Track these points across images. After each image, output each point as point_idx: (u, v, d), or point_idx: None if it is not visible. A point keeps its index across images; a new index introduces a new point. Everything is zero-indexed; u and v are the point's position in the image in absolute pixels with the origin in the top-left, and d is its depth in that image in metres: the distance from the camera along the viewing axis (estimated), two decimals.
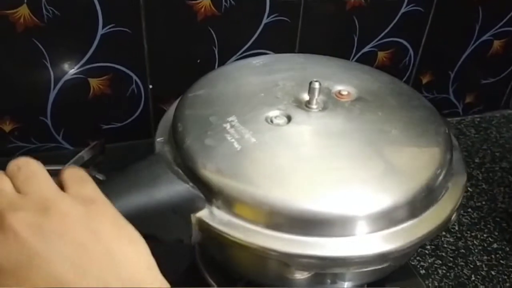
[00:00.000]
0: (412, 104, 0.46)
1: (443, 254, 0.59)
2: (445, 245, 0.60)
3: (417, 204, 0.38)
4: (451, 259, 0.58)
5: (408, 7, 0.67)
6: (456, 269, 0.57)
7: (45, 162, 0.58)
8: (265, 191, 0.35)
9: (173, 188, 0.36)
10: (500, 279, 0.56)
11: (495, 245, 0.60)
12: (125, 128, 0.67)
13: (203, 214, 0.36)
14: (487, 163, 0.73)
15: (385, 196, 0.36)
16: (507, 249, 0.60)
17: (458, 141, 0.76)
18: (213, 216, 0.36)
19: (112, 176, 0.37)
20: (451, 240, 0.61)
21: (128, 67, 0.62)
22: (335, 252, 0.35)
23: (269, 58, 0.56)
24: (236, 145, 0.38)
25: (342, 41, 0.69)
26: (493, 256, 0.59)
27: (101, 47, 0.59)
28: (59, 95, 0.61)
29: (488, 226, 0.63)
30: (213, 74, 0.49)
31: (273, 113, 0.42)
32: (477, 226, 0.63)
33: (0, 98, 0.60)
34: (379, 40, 0.69)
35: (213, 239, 0.36)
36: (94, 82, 0.62)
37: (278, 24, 0.64)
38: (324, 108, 0.44)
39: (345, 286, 0.43)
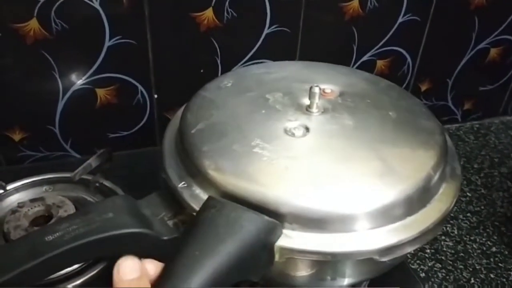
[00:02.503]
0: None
1: (443, 257, 0.60)
2: (445, 249, 0.61)
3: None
4: (451, 262, 0.59)
5: (406, 16, 0.69)
6: (455, 272, 0.58)
7: (53, 170, 0.60)
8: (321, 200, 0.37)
9: (255, 225, 0.34)
10: (498, 281, 0.57)
11: (494, 249, 0.61)
12: (131, 136, 0.69)
13: (283, 241, 0.36)
14: (486, 168, 0.74)
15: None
16: (506, 252, 0.61)
17: (457, 147, 0.78)
18: (292, 239, 0.36)
19: (189, 238, 0.35)
20: (451, 244, 0.62)
21: (134, 77, 0.64)
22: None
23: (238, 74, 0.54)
24: (278, 164, 0.38)
25: (341, 50, 0.70)
26: (492, 259, 0.60)
27: (108, 59, 0.61)
28: (67, 105, 0.63)
29: (487, 230, 0.64)
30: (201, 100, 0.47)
31: (290, 124, 0.43)
32: (476, 230, 0.64)
33: (10, 108, 0.62)
34: (377, 49, 0.71)
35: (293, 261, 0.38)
36: (101, 92, 0.64)
37: (279, 34, 0.65)
38: (324, 111, 0.45)
39: (345, 283, 0.44)
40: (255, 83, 0.49)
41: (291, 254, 0.36)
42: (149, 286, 0.32)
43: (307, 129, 0.43)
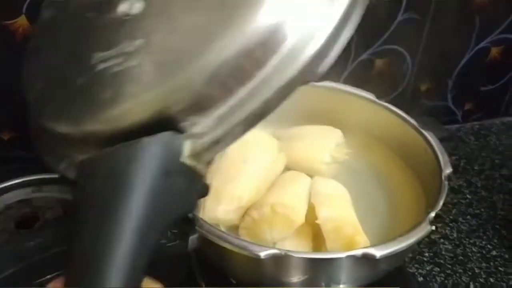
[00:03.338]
0: None
1: (442, 261, 0.59)
2: (444, 252, 0.60)
3: None
4: (450, 266, 0.58)
5: (405, 15, 0.68)
6: (454, 276, 0.57)
7: (42, 171, 0.59)
8: None
9: (149, 158, 0.28)
10: (498, 286, 0.56)
11: (494, 252, 0.60)
12: None
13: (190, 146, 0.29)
14: (486, 170, 0.73)
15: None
16: (506, 256, 0.60)
17: (457, 148, 0.77)
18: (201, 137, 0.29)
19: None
20: (450, 247, 0.61)
21: None
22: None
23: None
24: (131, 66, 0.30)
25: None
26: (492, 263, 0.59)
27: None
28: None
29: (487, 233, 0.63)
30: None
31: (122, 7, 0.33)
32: (476, 233, 0.63)
33: (0, 107, 0.61)
34: (376, 47, 0.70)
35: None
36: None
37: None
38: None
39: None
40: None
41: (212, 150, 0.29)
42: None
43: None
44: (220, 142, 0.29)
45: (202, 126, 0.29)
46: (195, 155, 0.29)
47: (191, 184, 0.30)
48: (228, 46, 0.28)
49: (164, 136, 0.28)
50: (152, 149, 0.27)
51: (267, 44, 0.29)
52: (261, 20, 0.28)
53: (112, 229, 0.26)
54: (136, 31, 0.31)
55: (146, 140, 0.27)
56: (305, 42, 0.29)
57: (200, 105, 0.29)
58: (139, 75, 0.29)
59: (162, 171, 0.28)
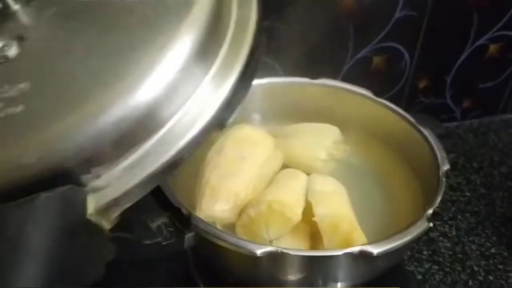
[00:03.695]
0: None
1: (440, 259, 0.58)
2: (442, 250, 0.59)
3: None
4: (449, 264, 0.58)
5: (402, 12, 0.67)
6: (453, 274, 0.57)
7: None
8: None
9: (45, 216, 0.24)
10: (498, 284, 0.56)
11: (493, 250, 0.60)
12: None
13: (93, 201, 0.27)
14: (485, 167, 0.73)
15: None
16: (505, 254, 0.59)
17: (456, 146, 0.77)
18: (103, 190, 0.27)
19: None
20: (449, 245, 0.60)
21: None
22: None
23: None
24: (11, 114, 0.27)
25: (337, 46, 0.69)
26: (491, 261, 0.59)
27: None
28: None
29: (486, 231, 0.62)
30: None
31: None
32: (475, 231, 0.62)
33: None
34: (374, 45, 0.69)
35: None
36: None
37: (272, 30, 0.64)
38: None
39: (338, 287, 0.43)
40: None
41: (119, 205, 0.27)
42: None
43: (21, 39, 0.31)
44: (129, 196, 0.27)
45: (107, 179, 0.26)
46: (101, 211, 0.26)
47: (98, 244, 0.27)
48: (104, 111, 0.26)
49: (64, 191, 0.24)
50: (51, 206, 0.24)
51: (147, 119, 0.27)
52: (142, 96, 0.27)
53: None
54: (17, 75, 0.28)
55: (43, 195, 0.24)
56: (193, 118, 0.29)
57: (99, 157, 0.26)
58: (25, 122, 0.26)
59: (64, 230, 0.24)
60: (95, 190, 0.26)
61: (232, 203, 0.45)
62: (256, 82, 0.58)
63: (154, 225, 0.38)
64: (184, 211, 0.39)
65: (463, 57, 0.75)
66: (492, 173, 0.71)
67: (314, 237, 0.45)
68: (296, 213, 0.44)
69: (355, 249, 0.38)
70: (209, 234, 0.38)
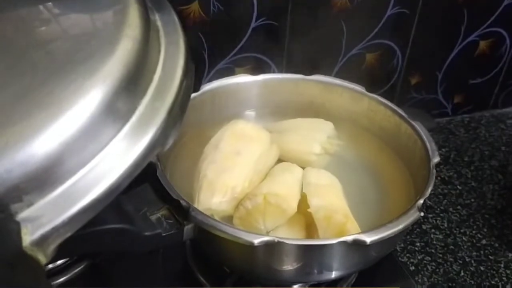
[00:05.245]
0: None
1: (433, 250, 0.60)
2: (435, 242, 0.61)
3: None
4: (441, 255, 0.59)
5: (394, 9, 0.68)
6: (445, 265, 0.58)
7: None
8: None
9: None
10: (489, 274, 0.57)
11: (484, 241, 0.61)
12: None
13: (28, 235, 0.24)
14: (476, 161, 0.74)
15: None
16: (496, 245, 0.61)
17: (447, 140, 0.78)
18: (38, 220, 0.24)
19: None
20: (441, 237, 0.61)
21: None
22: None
23: None
24: None
25: (330, 43, 0.70)
26: (482, 252, 0.60)
27: None
28: None
29: (477, 223, 0.64)
30: None
31: None
32: (466, 223, 0.63)
33: None
34: (366, 42, 0.71)
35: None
36: None
37: (266, 28, 0.65)
38: None
39: (332, 276, 0.44)
40: None
41: (54, 238, 0.24)
42: None
43: None
44: (69, 224, 0.25)
45: (40, 207, 0.24)
46: (37, 242, 0.23)
47: (36, 280, 0.24)
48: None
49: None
50: None
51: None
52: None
53: None
54: None
55: None
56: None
57: (28, 185, 0.24)
58: None
59: (4, 263, 0.22)
60: (30, 220, 0.24)
61: (229, 196, 0.46)
62: (251, 78, 0.60)
63: (154, 217, 0.39)
64: (183, 203, 0.40)
65: (454, 53, 0.76)
66: (483, 167, 0.73)
67: (309, 228, 0.46)
68: (292, 205, 0.45)
69: (349, 238, 0.39)
70: (208, 225, 0.39)
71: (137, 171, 0.28)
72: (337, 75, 0.71)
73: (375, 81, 0.73)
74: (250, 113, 0.60)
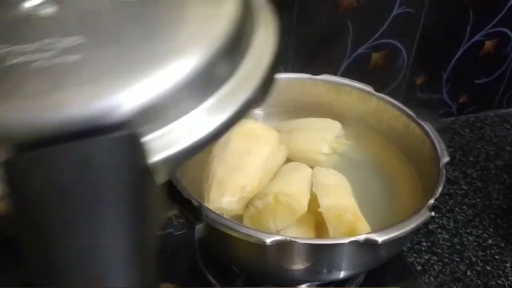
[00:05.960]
0: None
1: (439, 250, 0.60)
2: (441, 242, 0.61)
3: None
4: (447, 255, 0.59)
5: (400, 9, 0.69)
6: (452, 265, 0.58)
7: None
8: None
9: (108, 158, 0.22)
10: (495, 273, 0.57)
11: (490, 241, 0.61)
12: None
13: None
14: (481, 161, 0.74)
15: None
16: (502, 244, 0.61)
17: (452, 140, 0.78)
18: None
19: None
20: (447, 236, 0.62)
21: None
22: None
23: None
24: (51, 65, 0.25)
25: (336, 43, 0.70)
26: (488, 251, 0.60)
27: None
28: None
29: (483, 222, 0.64)
30: None
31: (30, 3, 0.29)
32: (472, 223, 0.64)
33: None
34: (372, 41, 0.71)
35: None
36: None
37: None
38: None
39: (341, 276, 0.44)
40: None
41: (176, 160, 0.25)
42: None
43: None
44: (193, 147, 0.25)
45: (160, 135, 0.25)
46: (159, 161, 0.24)
47: (159, 197, 0.26)
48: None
49: (123, 135, 0.23)
50: (122, 144, 0.22)
51: None
52: None
53: (103, 221, 0.21)
54: (66, 29, 0.27)
55: (103, 137, 0.22)
56: None
57: (158, 110, 0.25)
58: (82, 69, 0.25)
59: (136, 169, 0.23)
60: (155, 139, 0.24)
61: (239, 195, 0.46)
62: None
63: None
64: (194, 202, 0.40)
65: (459, 53, 0.76)
66: (488, 167, 0.73)
67: (319, 227, 0.46)
68: (302, 205, 0.45)
69: (361, 237, 0.39)
70: (220, 224, 0.39)
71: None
72: (343, 75, 0.71)
73: (381, 80, 0.73)
74: (258, 113, 0.60)
